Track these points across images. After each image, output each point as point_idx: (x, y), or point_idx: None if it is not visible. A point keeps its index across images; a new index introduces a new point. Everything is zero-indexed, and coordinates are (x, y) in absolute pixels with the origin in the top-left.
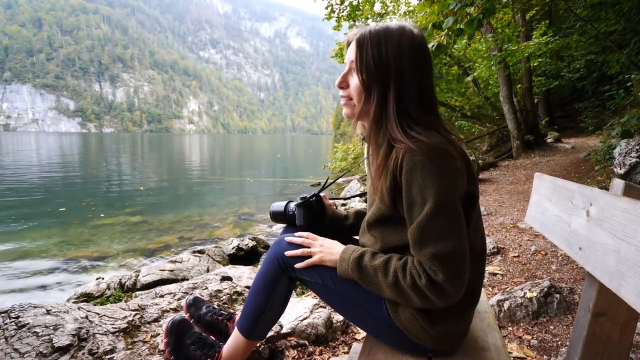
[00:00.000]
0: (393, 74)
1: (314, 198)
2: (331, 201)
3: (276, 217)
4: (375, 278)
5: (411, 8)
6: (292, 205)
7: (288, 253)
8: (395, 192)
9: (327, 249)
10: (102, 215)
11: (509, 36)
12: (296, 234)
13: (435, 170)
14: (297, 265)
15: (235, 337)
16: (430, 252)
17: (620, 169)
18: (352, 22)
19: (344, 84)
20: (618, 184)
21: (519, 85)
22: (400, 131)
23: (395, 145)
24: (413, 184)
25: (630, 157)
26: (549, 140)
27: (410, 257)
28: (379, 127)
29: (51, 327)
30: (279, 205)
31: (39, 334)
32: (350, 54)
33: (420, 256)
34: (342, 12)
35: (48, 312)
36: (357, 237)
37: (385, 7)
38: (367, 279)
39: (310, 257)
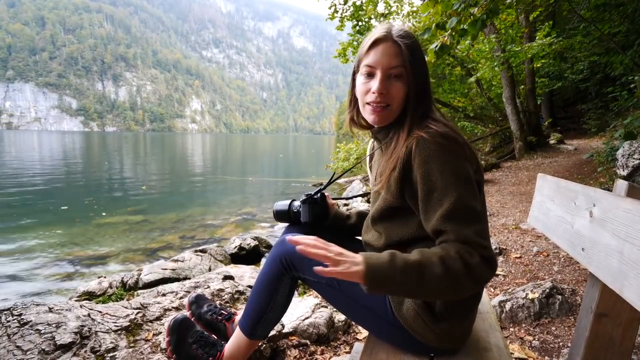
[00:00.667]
0: (426, 78)
1: (318, 195)
2: (334, 201)
3: (280, 215)
4: (422, 277)
5: (414, 8)
6: (297, 203)
7: (305, 251)
8: (404, 182)
9: (350, 258)
10: (103, 214)
11: (512, 37)
12: (302, 237)
13: (452, 156)
14: (317, 269)
15: (237, 336)
16: (474, 230)
17: (623, 170)
18: (355, 22)
19: (384, 91)
20: (621, 184)
21: (522, 86)
22: (415, 125)
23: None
24: (431, 171)
25: (634, 158)
26: (551, 142)
27: (445, 244)
28: (412, 126)
29: (53, 325)
30: (283, 204)
31: (42, 332)
32: (389, 58)
33: (463, 236)
34: (345, 12)
35: (50, 310)
36: (359, 237)
37: (389, 7)
38: (408, 283)
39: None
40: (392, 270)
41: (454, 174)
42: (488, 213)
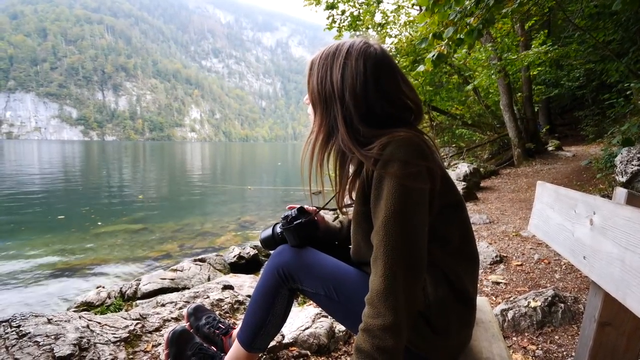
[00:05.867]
0: (337, 95)
1: (302, 220)
2: (323, 214)
3: (267, 243)
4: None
5: (411, 18)
6: (278, 228)
7: None
8: (367, 190)
9: None
10: (99, 223)
11: (508, 45)
12: None
13: (401, 183)
14: None
15: (235, 349)
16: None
17: (622, 176)
18: (353, 33)
19: (308, 100)
20: (621, 192)
21: (519, 94)
22: (356, 145)
23: (352, 154)
24: (381, 189)
25: (632, 165)
26: (550, 148)
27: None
28: (329, 141)
29: (52, 337)
30: (267, 232)
31: (40, 344)
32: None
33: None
34: (343, 22)
35: (49, 322)
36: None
37: (386, 18)
38: None
39: None
40: None
41: (392, 201)
42: (488, 220)
